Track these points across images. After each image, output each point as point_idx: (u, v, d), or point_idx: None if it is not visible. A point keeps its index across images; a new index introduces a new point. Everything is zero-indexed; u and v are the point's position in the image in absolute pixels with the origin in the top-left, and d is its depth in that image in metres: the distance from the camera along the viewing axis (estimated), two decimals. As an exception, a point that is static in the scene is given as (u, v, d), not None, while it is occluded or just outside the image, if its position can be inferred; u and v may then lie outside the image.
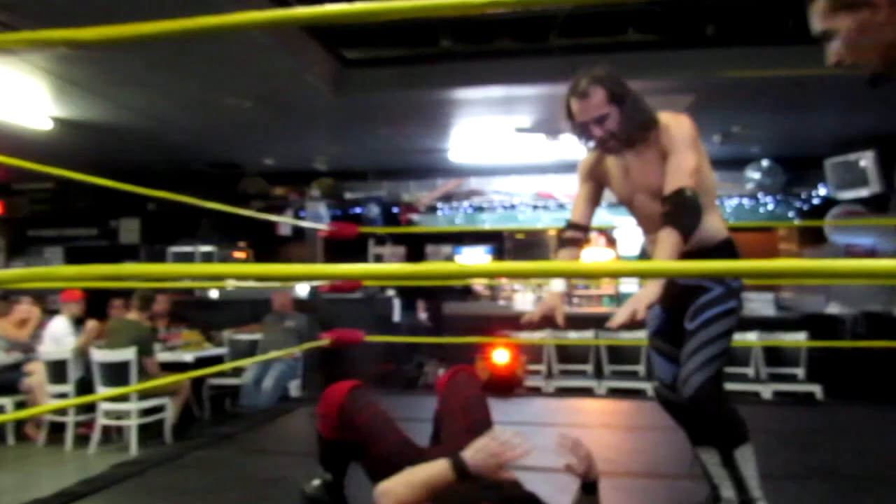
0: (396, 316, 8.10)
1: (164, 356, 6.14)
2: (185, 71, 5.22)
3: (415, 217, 9.16)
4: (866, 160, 7.20)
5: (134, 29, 1.41)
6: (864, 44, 1.36)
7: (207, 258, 8.78)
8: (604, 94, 2.21)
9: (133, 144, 7.37)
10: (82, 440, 5.56)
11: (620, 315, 1.91)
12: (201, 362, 6.29)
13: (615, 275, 1.70)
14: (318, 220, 8.60)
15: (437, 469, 1.77)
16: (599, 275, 1.22)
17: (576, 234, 2.52)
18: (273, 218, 5.37)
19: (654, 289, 1.98)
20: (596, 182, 2.53)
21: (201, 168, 8.82)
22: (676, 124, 2.25)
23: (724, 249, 2.32)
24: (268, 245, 9.85)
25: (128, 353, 5.37)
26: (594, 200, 2.56)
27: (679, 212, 2.09)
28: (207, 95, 5.83)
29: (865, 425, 4.00)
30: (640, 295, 1.98)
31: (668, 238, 2.07)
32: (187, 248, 8.72)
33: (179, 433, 5.64)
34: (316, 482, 2.34)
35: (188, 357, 6.26)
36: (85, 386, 5.61)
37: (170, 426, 5.66)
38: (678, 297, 2.26)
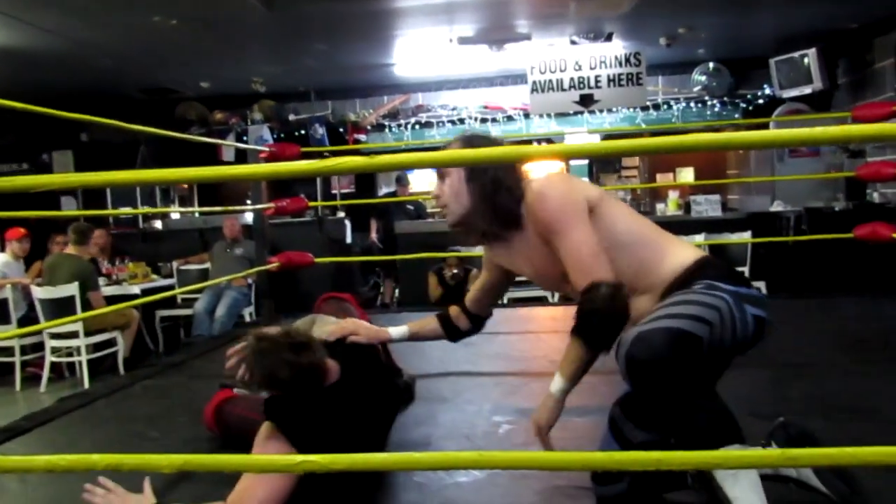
0: (348, 237, 8.04)
1: (109, 290, 6.01)
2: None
3: (362, 137, 8.97)
4: (809, 58, 7.22)
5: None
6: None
7: (149, 189, 8.52)
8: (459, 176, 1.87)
9: (54, 71, 6.98)
10: (34, 381, 5.48)
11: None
12: (150, 294, 6.18)
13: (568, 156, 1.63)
14: (261, 143, 8.35)
15: None
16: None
17: (454, 315, 2.21)
18: (213, 141, 5.18)
19: (547, 415, 1.74)
20: (497, 268, 2.10)
21: (133, 94, 8.43)
22: (539, 200, 1.75)
23: (685, 282, 1.69)
24: (212, 172, 9.58)
25: (70, 289, 5.24)
26: (493, 289, 2.19)
27: (587, 322, 1.67)
28: (129, 14, 5.51)
29: (804, 316, 4.12)
30: (537, 416, 1.75)
31: (573, 351, 1.71)
32: (127, 180, 8.42)
33: (133, 366, 5.59)
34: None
35: (135, 289, 6.15)
36: (29, 325, 5.48)
37: (122, 360, 5.59)
38: None
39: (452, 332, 2.23)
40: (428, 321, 2.24)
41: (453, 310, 2.22)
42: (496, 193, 1.80)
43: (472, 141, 1.87)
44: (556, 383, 1.74)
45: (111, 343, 5.59)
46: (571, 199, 1.74)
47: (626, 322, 1.66)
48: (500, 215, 1.83)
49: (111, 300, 5.84)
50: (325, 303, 2.25)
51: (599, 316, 1.64)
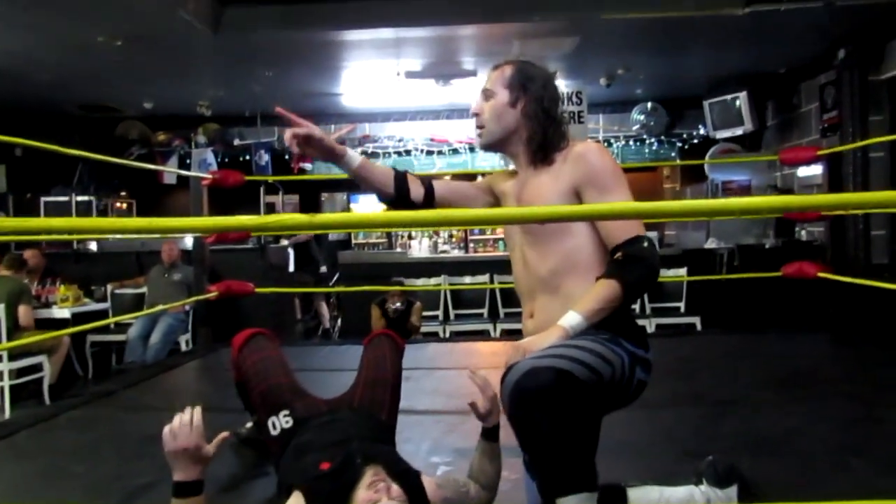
0: (291, 266, 7.95)
1: (38, 313, 5.78)
2: (47, 4, 4.82)
3: (307, 165, 8.93)
4: (740, 100, 7.53)
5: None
6: None
7: (85, 209, 8.26)
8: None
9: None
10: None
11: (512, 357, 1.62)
12: (81, 318, 5.98)
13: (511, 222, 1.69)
14: (204, 167, 8.23)
15: None
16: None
17: (411, 179, 1.98)
18: (153, 167, 5.09)
19: (542, 344, 1.62)
20: (486, 192, 2.06)
21: (72, 111, 8.22)
22: (596, 152, 1.78)
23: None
24: (151, 193, 9.39)
25: (-3, 311, 5.03)
26: (463, 199, 2.05)
27: (633, 265, 1.66)
28: (73, 32, 5.40)
29: (735, 352, 4.27)
30: (530, 341, 1.66)
31: (604, 290, 1.65)
32: (62, 198, 8.15)
33: (59, 393, 5.39)
34: (248, 425, 2.38)
35: (65, 313, 5.94)
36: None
37: (47, 386, 5.38)
38: None
39: (400, 193, 1.95)
40: (385, 169, 1.99)
41: (412, 176, 1.99)
42: (547, 120, 1.82)
43: (525, 65, 1.88)
44: (572, 318, 1.65)
45: (37, 368, 5.37)
46: (619, 167, 1.81)
47: (657, 279, 1.74)
48: (544, 141, 1.83)
49: (39, 323, 5.64)
50: (246, 346, 2.21)
51: (646, 262, 1.67)
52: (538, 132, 1.83)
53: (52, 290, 6.34)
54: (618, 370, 1.64)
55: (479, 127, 1.91)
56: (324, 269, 8.00)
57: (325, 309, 7.96)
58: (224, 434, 1.74)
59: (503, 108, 1.86)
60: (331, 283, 7.86)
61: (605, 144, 8.68)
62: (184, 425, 1.64)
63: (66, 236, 5.90)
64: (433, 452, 2.44)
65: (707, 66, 7.25)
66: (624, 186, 1.74)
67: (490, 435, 1.86)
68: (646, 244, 1.67)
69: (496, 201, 2.03)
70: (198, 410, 1.68)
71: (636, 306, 6.40)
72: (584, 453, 1.57)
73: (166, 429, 1.63)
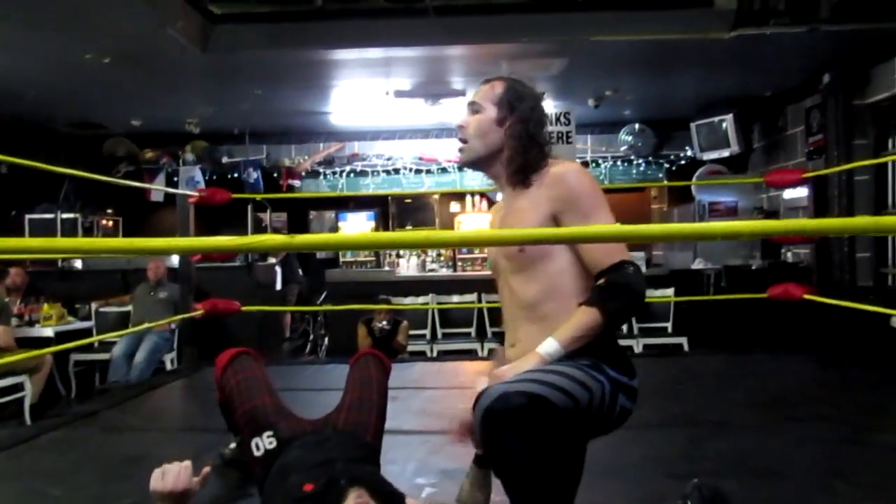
0: (278, 284, 7.91)
1: (20, 332, 5.71)
2: (34, 23, 4.81)
3: (296, 183, 8.93)
4: (727, 122, 7.61)
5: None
6: None
7: (71, 226, 8.20)
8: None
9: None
10: (-71, 427, 5.12)
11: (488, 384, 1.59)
12: (64, 337, 5.90)
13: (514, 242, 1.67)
14: (192, 184, 8.20)
15: None
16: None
17: None
18: (139, 185, 5.07)
19: (520, 366, 1.60)
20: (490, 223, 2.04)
21: (59, 128, 8.18)
22: (574, 174, 1.73)
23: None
24: (138, 211, 9.34)
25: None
26: None
27: (615, 292, 1.62)
28: (61, 50, 5.39)
29: (722, 373, 4.27)
30: (506, 368, 1.64)
31: (585, 318, 1.62)
32: (48, 216, 8.09)
33: (41, 413, 5.30)
34: (232, 445, 2.36)
35: (48, 332, 5.87)
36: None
37: (28, 406, 5.29)
38: None
39: None
40: None
41: None
42: (530, 143, 1.78)
43: (515, 84, 1.84)
44: (549, 345, 1.62)
45: (18, 387, 5.29)
46: (599, 186, 1.75)
47: (642, 306, 1.69)
48: (524, 163, 1.78)
49: (22, 342, 5.56)
50: (230, 366, 2.21)
51: (629, 290, 1.62)
52: (519, 154, 1.79)
53: (36, 308, 6.26)
54: (597, 397, 1.60)
55: (462, 140, 1.86)
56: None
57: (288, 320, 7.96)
58: (206, 469, 1.72)
59: (489, 124, 1.82)
60: (318, 302, 7.83)
61: (594, 165, 8.75)
62: (172, 471, 1.63)
63: (44, 255, 5.85)
64: (418, 473, 2.42)
65: (694, 89, 7.32)
66: (604, 208, 1.69)
67: (482, 462, 1.84)
68: (631, 270, 1.63)
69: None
70: (187, 463, 1.66)
71: (623, 328, 6.40)
72: (560, 481, 1.53)
73: (157, 471, 1.62)
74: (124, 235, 9.33)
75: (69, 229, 8.10)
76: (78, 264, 7.58)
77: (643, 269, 6.87)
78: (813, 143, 6.68)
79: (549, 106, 7.20)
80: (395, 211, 9.83)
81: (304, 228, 9.52)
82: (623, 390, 1.67)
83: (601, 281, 1.65)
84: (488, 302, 6.39)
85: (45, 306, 6.23)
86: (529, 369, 1.58)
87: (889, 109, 5.97)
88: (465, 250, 9.15)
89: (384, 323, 5.32)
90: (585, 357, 1.63)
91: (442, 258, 9.14)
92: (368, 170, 8.94)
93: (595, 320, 1.61)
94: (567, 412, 1.53)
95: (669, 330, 6.43)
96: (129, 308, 6.52)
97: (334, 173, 8.95)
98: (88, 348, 6.19)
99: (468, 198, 9.65)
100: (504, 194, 1.89)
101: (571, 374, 1.57)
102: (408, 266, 8.74)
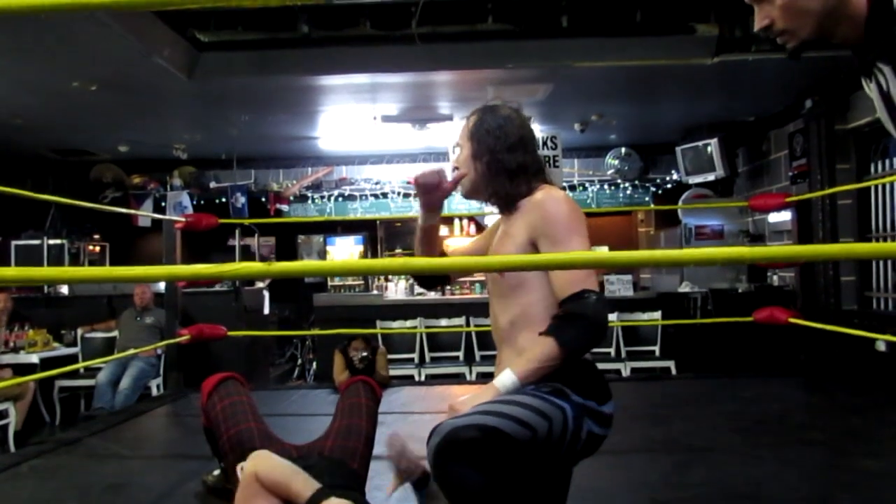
0: (266, 308, 7.88)
1: (5, 358, 5.67)
2: (22, 51, 4.82)
3: (284, 207, 8.94)
4: (712, 147, 7.68)
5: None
6: (804, 7, 1.21)
7: (57, 252, 8.16)
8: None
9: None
10: None
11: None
12: (49, 363, 5.86)
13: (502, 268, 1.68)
14: (180, 209, 8.19)
15: (301, 485, 1.77)
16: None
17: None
18: (126, 211, 5.06)
19: (476, 403, 1.59)
20: (488, 240, 2.02)
21: (46, 154, 8.17)
22: (552, 201, 1.74)
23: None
24: (125, 236, 9.30)
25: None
26: (479, 251, 2.06)
27: (573, 323, 1.62)
28: (48, 77, 5.41)
29: (708, 397, 4.27)
30: (463, 400, 1.64)
31: (541, 349, 1.62)
32: (34, 242, 8.05)
33: (25, 440, 5.24)
34: (216, 472, 2.35)
35: (33, 358, 5.82)
36: None
37: (13, 433, 5.24)
38: None
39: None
40: (440, 240, 2.11)
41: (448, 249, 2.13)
42: (500, 172, 1.83)
43: (485, 115, 1.90)
44: (507, 377, 1.62)
45: (2, 414, 5.23)
46: (579, 214, 1.75)
47: (604, 336, 1.68)
48: (504, 193, 1.83)
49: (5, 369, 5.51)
50: (216, 391, 2.20)
51: (587, 321, 1.62)
52: (491, 184, 1.85)
53: (21, 334, 6.21)
54: (557, 424, 1.58)
55: (460, 177, 1.93)
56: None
57: None
58: None
59: (468, 161, 1.89)
60: (306, 326, 7.80)
61: (581, 188, 8.80)
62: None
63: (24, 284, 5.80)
64: (404, 501, 2.39)
65: (679, 114, 7.41)
66: (577, 236, 1.69)
67: (419, 485, 1.85)
68: (592, 299, 1.62)
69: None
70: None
71: (611, 350, 6.40)
72: None
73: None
74: (111, 261, 9.29)
75: (56, 255, 8.06)
76: (64, 290, 7.52)
77: (630, 292, 7.00)
78: (796, 168, 6.76)
79: (537, 130, 7.25)
80: (384, 235, 9.84)
81: (293, 253, 9.51)
82: (591, 415, 1.65)
83: (560, 310, 1.65)
84: (477, 325, 6.38)
85: (31, 332, 6.19)
86: (486, 401, 1.58)
87: (870, 135, 6.05)
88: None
89: (364, 353, 4.90)
90: (548, 384, 1.63)
91: (430, 282, 9.11)
92: (356, 194, 8.97)
93: (552, 351, 1.61)
94: (523, 442, 1.52)
95: (657, 353, 6.44)
96: (115, 334, 6.47)
97: (322, 198, 8.97)
98: (74, 374, 6.14)
99: (456, 221, 9.68)
100: (502, 218, 1.94)
101: (528, 403, 1.56)
102: (396, 289, 8.72)
